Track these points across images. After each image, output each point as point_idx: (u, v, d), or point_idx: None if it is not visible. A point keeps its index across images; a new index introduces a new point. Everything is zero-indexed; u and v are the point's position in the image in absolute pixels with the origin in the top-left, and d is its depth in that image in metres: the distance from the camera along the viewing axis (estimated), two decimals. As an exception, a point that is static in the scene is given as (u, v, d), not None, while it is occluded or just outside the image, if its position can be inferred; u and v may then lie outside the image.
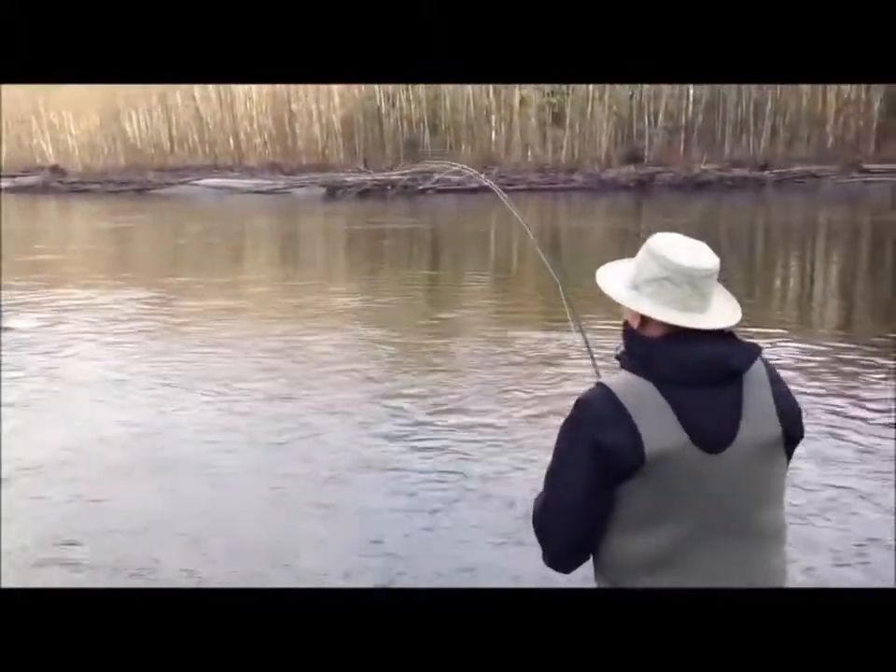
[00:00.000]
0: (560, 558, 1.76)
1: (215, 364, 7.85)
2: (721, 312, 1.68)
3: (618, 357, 1.74)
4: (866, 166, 34.55)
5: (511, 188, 33.94)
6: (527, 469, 4.94)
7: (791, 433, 1.71)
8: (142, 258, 18.81)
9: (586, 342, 2.43)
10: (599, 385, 1.68)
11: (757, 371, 1.68)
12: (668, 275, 1.65)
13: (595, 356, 2.34)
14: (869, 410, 6.09)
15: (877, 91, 37.15)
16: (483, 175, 2.70)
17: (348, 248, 20.11)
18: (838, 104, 38.95)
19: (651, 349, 1.66)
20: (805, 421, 1.79)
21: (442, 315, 10.45)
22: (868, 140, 37.85)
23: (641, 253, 1.72)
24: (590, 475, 1.63)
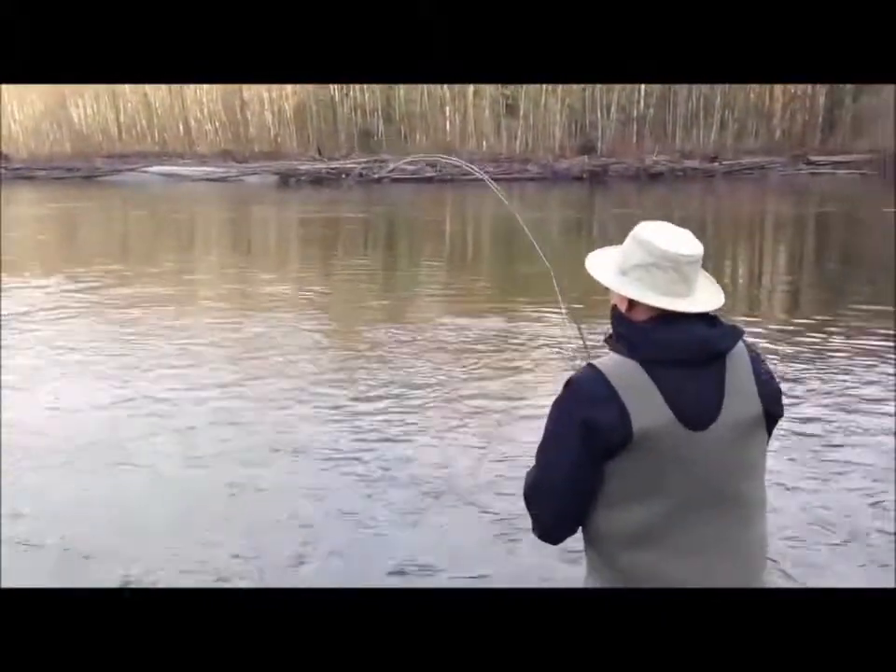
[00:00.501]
0: (550, 532, 1.83)
1: (140, 350, 7.87)
2: (705, 296, 1.76)
3: (606, 340, 1.80)
4: (812, 158, 35.36)
5: (465, 177, 33.91)
6: (438, 448, 5.23)
7: (772, 412, 1.78)
8: (78, 244, 18.39)
9: (578, 328, 2.50)
10: (589, 366, 1.74)
11: (739, 353, 1.75)
12: (654, 261, 1.71)
13: (587, 341, 2.40)
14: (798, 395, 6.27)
15: (822, 86, 37.97)
16: (480, 171, 2.72)
17: (289, 236, 19.94)
18: (785, 98, 39.73)
19: (637, 332, 1.73)
20: None
21: (375, 303, 10.54)
22: (814, 133, 38.70)
23: (628, 240, 1.79)
24: (579, 452, 1.69)
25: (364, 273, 13.08)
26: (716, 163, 36.00)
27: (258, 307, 10.07)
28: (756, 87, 38.98)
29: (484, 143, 42.07)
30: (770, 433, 1.83)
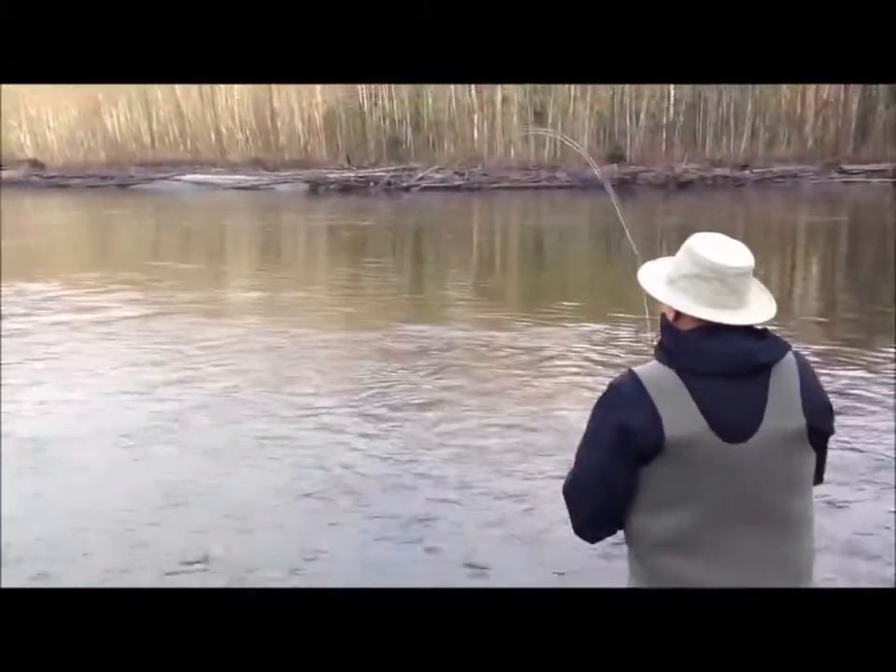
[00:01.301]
0: (584, 530, 1.89)
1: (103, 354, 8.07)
2: (755, 308, 1.76)
3: (655, 348, 1.83)
4: (845, 167, 34.91)
5: (494, 185, 34.01)
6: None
7: (817, 427, 1.76)
8: (120, 250, 18.71)
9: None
10: (629, 371, 1.78)
11: (787, 366, 1.75)
12: (700, 272, 1.74)
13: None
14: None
15: (855, 93, 37.51)
16: (598, 169, 2.71)
17: (284, 242, 20.18)
18: (817, 105, 39.30)
19: (678, 341, 1.75)
20: None
21: (344, 309, 10.66)
22: (847, 141, 38.22)
23: (680, 251, 1.82)
24: (612, 454, 1.73)
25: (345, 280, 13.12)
26: (747, 171, 35.66)
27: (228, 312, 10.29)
28: (787, 94, 38.62)
29: (513, 151, 42.10)
30: (821, 450, 1.82)
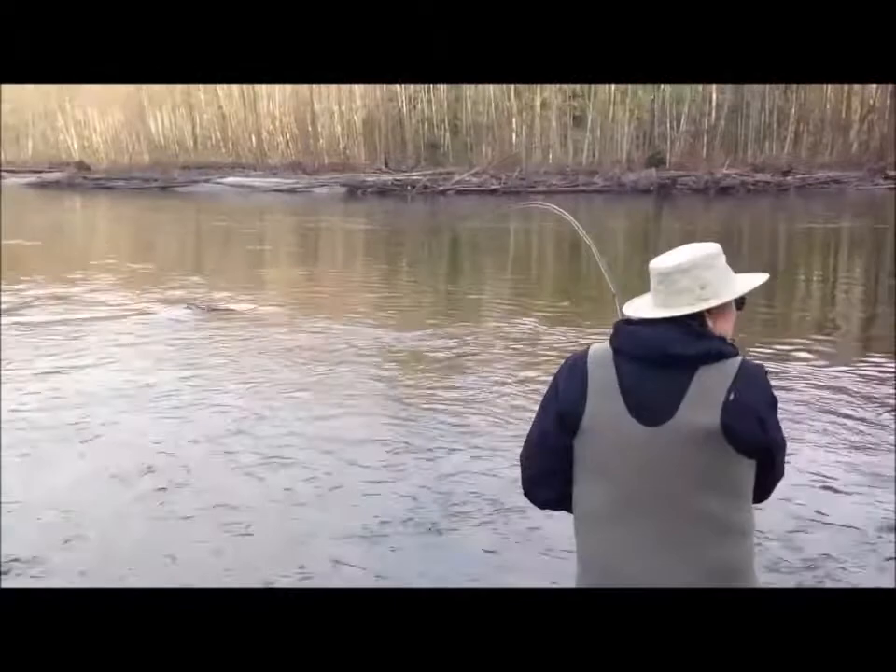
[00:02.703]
0: (525, 487, 2.02)
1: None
2: (677, 306, 1.87)
3: None
4: (890, 173, 34.18)
5: (531, 190, 33.92)
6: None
7: (735, 430, 1.75)
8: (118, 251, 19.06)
9: None
10: (587, 346, 1.95)
11: (721, 367, 1.79)
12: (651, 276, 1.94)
13: None
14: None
15: (902, 98, 36.73)
16: (559, 210, 2.87)
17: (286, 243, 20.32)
18: (862, 110, 38.57)
19: (622, 326, 1.91)
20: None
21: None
22: (892, 146, 37.39)
23: None
24: (548, 414, 1.91)
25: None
26: (789, 177, 35.12)
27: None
28: (832, 98, 37.96)
29: (551, 155, 41.97)
30: (760, 462, 1.81)
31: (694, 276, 1.86)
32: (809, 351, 8.10)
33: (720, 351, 1.81)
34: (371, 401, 6.58)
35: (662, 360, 1.81)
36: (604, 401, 1.83)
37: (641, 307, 1.93)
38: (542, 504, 2.03)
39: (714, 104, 40.27)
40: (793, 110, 39.11)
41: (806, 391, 6.67)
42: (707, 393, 1.77)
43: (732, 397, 1.76)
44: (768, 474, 1.87)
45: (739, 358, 1.82)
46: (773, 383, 1.87)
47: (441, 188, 35.14)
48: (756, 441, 1.80)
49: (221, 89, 46.88)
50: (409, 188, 35.62)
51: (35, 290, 11.77)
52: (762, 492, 1.88)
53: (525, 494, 2.02)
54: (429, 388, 6.93)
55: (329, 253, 19.27)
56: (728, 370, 1.80)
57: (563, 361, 1.96)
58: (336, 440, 5.63)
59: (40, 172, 44.54)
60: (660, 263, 1.91)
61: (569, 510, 1.96)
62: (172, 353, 8.24)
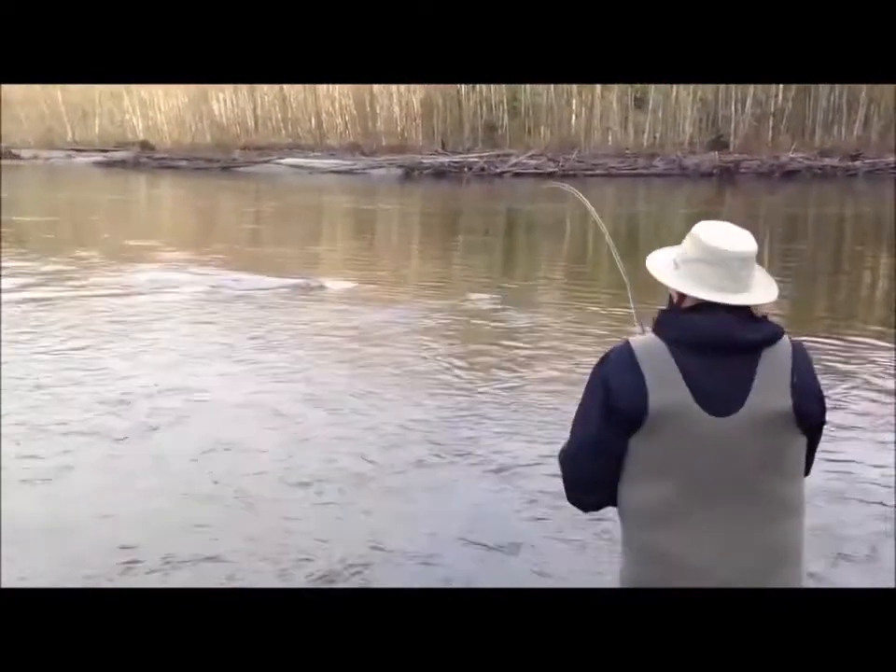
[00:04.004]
0: (572, 494, 1.94)
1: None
2: (752, 293, 1.82)
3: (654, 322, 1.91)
4: (966, 158, 32.82)
5: (589, 173, 33.51)
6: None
7: (805, 411, 1.78)
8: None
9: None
10: (624, 340, 1.85)
11: (779, 349, 1.79)
12: (703, 257, 1.81)
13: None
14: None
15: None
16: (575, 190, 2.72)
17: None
18: (939, 92, 37.00)
19: (673, 315, 1.85)
20: None
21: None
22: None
23: (686, 237, 1.89)
24: (601, 419, 1.80)
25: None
26: (858, 162, 33.97)
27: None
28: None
29: (610, 137, 41.36)
30: (812, 436, 1.85)
31: (753, 261, 1.84)
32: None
33: (778, 332, 1.80)
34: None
35: (729, 348, 1.76)
36: (668, 395, 1.74)
37: (715, 293, 1.79)
38: (590, 508, 1.98)
39: (781, 85, 39.09)
40: (864, 93, 37.73)
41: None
42: (775, 376, 1.77)
43: (796, 378, 1.78)
44: (815, 449, 1.91)
45: (787, 338, 1.82)
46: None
47: (497, 170, 34.93)
48: (818, 419, 1.85)
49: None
50: (465, 169, 35.49)
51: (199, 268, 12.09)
52: (808, 468, 1.91)
53: (572, 500, 1.95)
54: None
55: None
56: (785, 350, 1.80)
57: (598, 361, 1.86)
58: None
59: (106, 151, 45.64)
60: (730, 245, 1.80)
61: (612, 506, 1.90)
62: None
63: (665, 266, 1.90)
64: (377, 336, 8.13)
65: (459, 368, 7.02)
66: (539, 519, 4.27)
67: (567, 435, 1.93)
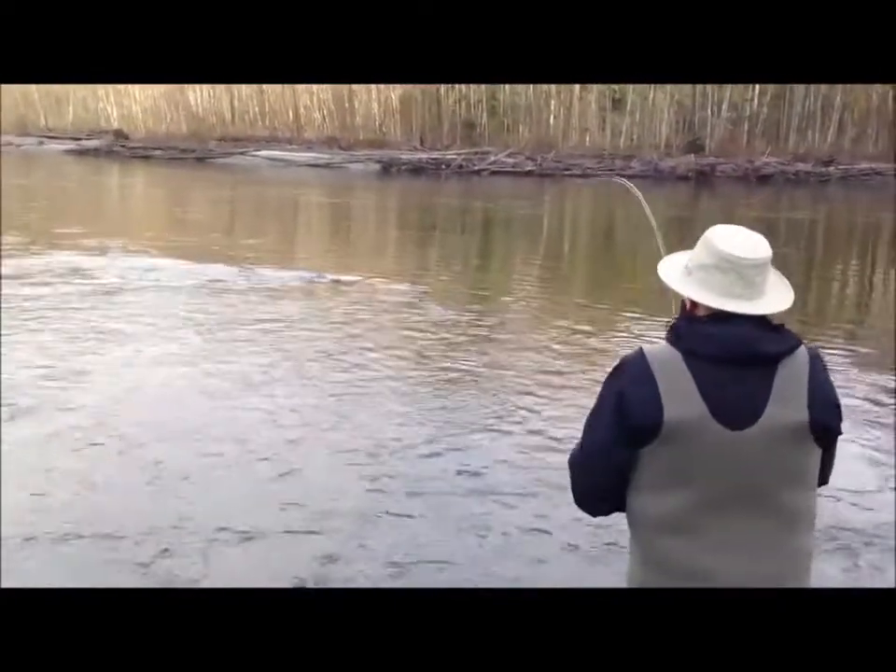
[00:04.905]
0: (581, 500, 1.93)
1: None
2: (766, 300, 1.77)
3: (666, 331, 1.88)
4: (937, 167, 33.32)
5: (566, 172, 33.64)
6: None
7: (823, 423, 1.76)
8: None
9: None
10: (639, 349, 1.81)
11: (797, 360, 1.76)
12: (716, 263, 1.76)
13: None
14: None
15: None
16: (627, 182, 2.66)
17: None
18: (911, 101, 37.60)
19: (688, 324, 1.79)
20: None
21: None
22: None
23: (698, 242, 1.84)
24: (613, 428, 1.77)
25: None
26: (831, 167, 34.42)
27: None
28: (879, 88, 37.08)
29: (588, 138, 41.54)
30: (827, 449, 1.83)
31: (769, 267, 1.80)
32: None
33: (795, 343, 1.77)
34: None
35: (746, 360, 1.72)
36: (683, 408, 1.71)
37: (728, 301, 1.75)
38: (598, 514, 1.97)
39: (757, 90, 39.51)
40: (838, 99, 38.26)
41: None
42: (791, 389, 1.74)
43: (813, 389, 1.75)
44: (832, 458, 1.89)
45: (804, 347, 1.79)
46: None
47: (475, 167, 34.94)
48: (835, 429, 1.82)
49: (260, 61, 46.88)
50: (443, 166, 35.46)
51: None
52: (823, 477, 1.89)
53: (581, 505, 1.94)
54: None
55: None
56: (802, 360, 1.77)
57: (612, 369, 1.83)
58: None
59: (79, 139, 45.02)
60: (743, 251, 1.75)
61: (620, 511, 1.89)
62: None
63: (677, 272, 1.86)
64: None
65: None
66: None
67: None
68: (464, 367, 7.08)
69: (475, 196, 24.13)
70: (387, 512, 4.30)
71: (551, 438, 5.37)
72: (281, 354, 7.29)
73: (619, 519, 1.95)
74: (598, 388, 1.87)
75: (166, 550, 3.85)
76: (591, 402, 1.88)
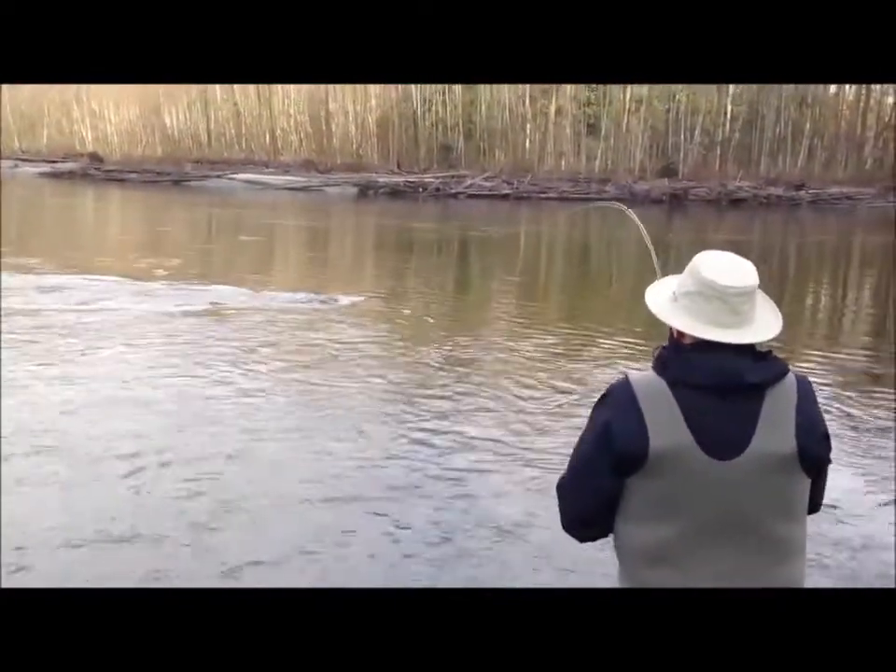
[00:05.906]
0: (569, 527, 1.90)
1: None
2: (753, 328, 1.74)
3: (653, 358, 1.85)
4: (904, 191, 33.96)
5: (542, 196, 33.90)
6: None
7: (810, 452, 1.73)
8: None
9: None
10: (624, 376, 1.79)
11: (784, 388, 1.73)
12: (701, 290, 1.74)
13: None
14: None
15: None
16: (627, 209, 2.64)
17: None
18: (878, 126, 38.45)
19: (674, 353, 1.76)
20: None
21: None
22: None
23: (685, 269, 1.81)
24: (600, 456, 1.74)
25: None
26: (802, 192, 35.00)
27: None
28: (847, 114, 37.87)
29: (563, 162, 41.94)
30: (817, 476, 1.80)
31: (755, 294, 1.77)
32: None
33: (783, 370, 1.74)
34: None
35: (732, 389, 1.69)
36: (669, 438, 1.68)
37: (713, 330, 1.72)
38: (585, 540, 1.95)
39: (729, 116, 40.21)
40: (808, 125, 39.03)
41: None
42: (779, 418, 1.71)
43: (801, 418, 1.72)
44: (823, 486, 1.86)
45: (792, 374, 1.76)
46: None
47: (452, 190, 35.13)
48: (823, 458, 1.80)
49: (238, 85, 46.98)
50: (420, 189, 35.62)
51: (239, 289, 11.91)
52: (814, 505, 1.86)
53: (568, 531, 1.91)
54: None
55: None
56: (790, 388, 1.74)
57: (600, 397, 1.81)
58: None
59: (54, 162, 44.73)
60: (729, 280, 1.72)
61: (607, 537, 1.88)
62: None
63: (664, 299, 1.83)
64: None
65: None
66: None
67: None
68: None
69: (455, 218, 24.09)
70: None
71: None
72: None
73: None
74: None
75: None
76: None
